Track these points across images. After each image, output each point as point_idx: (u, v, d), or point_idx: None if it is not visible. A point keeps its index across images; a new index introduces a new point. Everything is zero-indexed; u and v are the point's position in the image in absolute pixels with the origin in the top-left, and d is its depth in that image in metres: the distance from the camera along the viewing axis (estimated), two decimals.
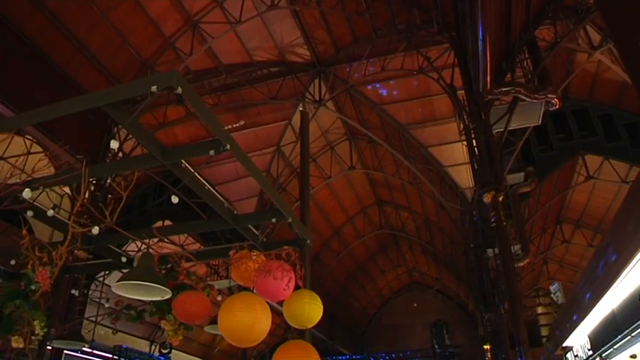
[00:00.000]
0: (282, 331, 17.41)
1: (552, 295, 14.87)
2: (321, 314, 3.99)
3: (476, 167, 12.76)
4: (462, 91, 13.90)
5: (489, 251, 15.48)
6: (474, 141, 12.84)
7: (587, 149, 17.65)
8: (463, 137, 14.28)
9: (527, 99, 11.82)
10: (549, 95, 11.88)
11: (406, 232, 30.31)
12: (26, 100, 12.81)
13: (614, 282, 5.28)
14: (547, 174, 17.74)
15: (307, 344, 4.04)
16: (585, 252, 24.36)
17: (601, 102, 17.21)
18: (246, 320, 3.43)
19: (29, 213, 4.50)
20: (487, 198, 11.08)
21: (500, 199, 11.03)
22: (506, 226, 11.21)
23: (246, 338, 3.51)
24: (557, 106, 12.30)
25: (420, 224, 28.73)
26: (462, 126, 14.14)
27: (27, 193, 3.91)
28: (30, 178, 4.23)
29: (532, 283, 28.39)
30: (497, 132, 12.39)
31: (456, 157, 19.38)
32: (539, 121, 13.27)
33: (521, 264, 15.21)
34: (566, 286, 15.34)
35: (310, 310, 3.93)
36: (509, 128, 12.52)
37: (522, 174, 15.89)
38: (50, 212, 4.50)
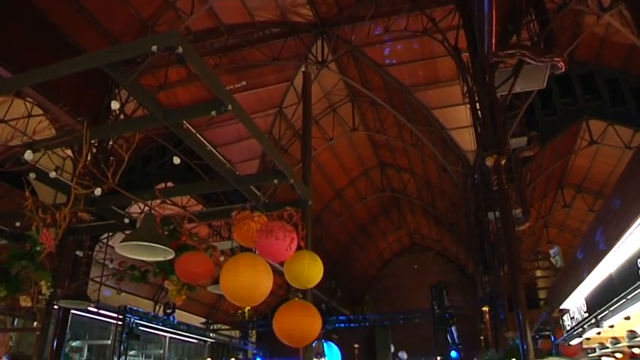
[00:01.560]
0: (284, 292, 17.66)
1: (551, 258, 14.98)
2: (321, 275, 4.02)
3: (479, 130, 12.70)
4: (467, 54, 13.74)
5: (490, 214, 15.54)
6: (477, 104, 12.75)
7: (591, 114, 17.50)
8: (466, 100, 14.17)
9: (533, 62, 11.65)
10: (555, 58, 11.70)
11: (408, 195, 30.40)
12: (25, 62, 12.68)
13: (613, 247, 5.31)
14: (550, 138, 17.65)
15: (308, 304, 4.10)
16: (585, 217, 24.43)
17: (608, 66, 16.97)
18: (249, 280, 3.46)
19: (32, 175, 4.51)
20: (489, 161, 11.07)
21: (503, 162, 11.01)
22: (507, 189, 11.21)
23: (248, 298, 3.55)
24: (563, 70, 12.14)
25: (421, 187, 28.79)
26: (465, 88, 14.02)
27: (28, 155, 3.91)
28: (31, 141, 4.22)
29: (532, 247, 28.61)
30: (501, 95, 12.28)
31: (459, 120, 19.26)
32: (544, 85, 13.12)
33: (521, 228, 15.28)
34: (566, 250, 15.42)
35: (311, 270, 3.97)
36: (513, 91, 12.40)
37: (525, 138, 15.79)
38: (52, 174, 4.51)
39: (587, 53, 16.88)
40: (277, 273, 3.91)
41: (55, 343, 6.96)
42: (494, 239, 17.67)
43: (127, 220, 5.34)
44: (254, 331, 32.70)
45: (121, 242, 3.90)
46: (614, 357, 10.68)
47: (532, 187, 20.86)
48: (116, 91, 15.79)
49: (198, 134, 4.14)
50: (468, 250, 26.45)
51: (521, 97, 13.66)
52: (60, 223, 4.36)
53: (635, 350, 9.48)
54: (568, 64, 12.35)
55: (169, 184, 17.80)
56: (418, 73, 19.13)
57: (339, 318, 29.68)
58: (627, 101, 16.48)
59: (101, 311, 18.11)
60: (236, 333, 31.39)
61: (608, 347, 9.66)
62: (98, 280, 12.18)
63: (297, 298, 4.34)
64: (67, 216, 4.32)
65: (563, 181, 24.87)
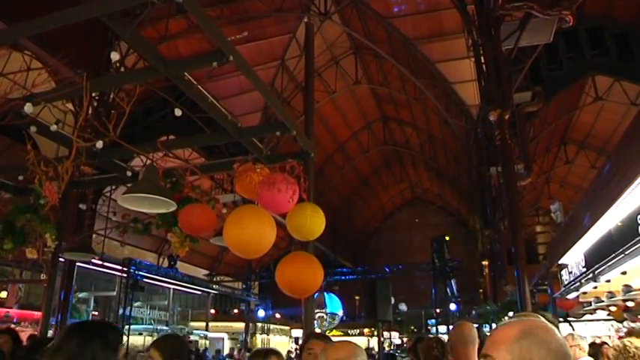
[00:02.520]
0: (286, 244, 17.84)
1: (552, 214, 15.03)
2: (323, 227, 4.04)
3: (483, 84, 12.55)
4: (472, 6, 13.44)
5: (492, 169, 15.52)
6: (482, 57, 12.56)
7: (598, 69, 17.21)
8: (471, 53, 13.96)
9: (540, 15, 11.40)
10: (563, 12, 11.44)
11: (410, 148, 30.37)
12: (22, 14, 12.42)
13: (614, 203, 5.32)
14: (555, 94, 17.43)
15: (310, 255, 4.14)
16: (587, 173, 24.40)
17: (618, 20, 16.59)
18: (253, 232, 3.48)
19: (32, 128, 4.49)
20: (493, 115, 10.98)
21: (506, 117, 10.92)
22: (510, 144, 11.16)
23: (252, 249, 3.58)
24: (571, 24, 11.88)
25: (424, 140, 28.73)
26: (470, 42, 13.79)
27: (28, 108, 3.88)
28: (30, 94, 4.18)
29: (533, 202, 28.69)
30: (507, 49, 12.07)
31: (463, 74, 19.02)
32: (551, 39, 12.87)
33: (523, 183, 15.28)
34: (566, 207, 15.44)
35: (313, 222, 3.98)
36: (519, 45, 12.19)
37: (530, 93, 15.60)
38: (53, 127, 4.48)
39: (597, 6, 16.48)
40: (279, 225, 3.94)
41: (62, 295, 7.09)
42: (495, 194, 17.72)
43: (129, 173, 5.35)
44: (256, 283, 33.24)
45: (124, 194, 3.92)
46: (609, 310, 10.90)
47: (535, 143, 20.77)
48: (116, 43, 15.57)
49: (199, 86, 4.09)
50: (469, 204, 26.57)
51: (526, 51, 13.43)
52: (62, 177, 4.37)
53: (629, 304, 9.67)
54: (576, 18, 12.09)
55: (171, 137, 17.76)
56: (422, 26, 18.77)
57: (341, 270, 30.09)
58: (636, 57, 16.17)
59: (106, 263, 18.37)
60: (239, 285, 31.94)
61: (603, 301, 9.83)
62: (102, 233, 12.30)
63: (298, 251, 4.38)
64: (69, 169, 4.32)
65: (567, 137, 24.74)
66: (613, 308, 10.67)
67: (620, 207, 5.36)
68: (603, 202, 5.83)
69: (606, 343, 9.33)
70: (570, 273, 10.16)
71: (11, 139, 12.75)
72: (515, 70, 12.78)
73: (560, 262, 10.50)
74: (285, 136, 4.84)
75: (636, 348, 3.46)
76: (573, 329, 8.13)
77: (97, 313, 24.93)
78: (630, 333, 5.68)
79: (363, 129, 29.63)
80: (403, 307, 29.36)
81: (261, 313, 29.54)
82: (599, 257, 7.14)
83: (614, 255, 6.32)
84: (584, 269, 8.45)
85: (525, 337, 1.49)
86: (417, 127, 27.82)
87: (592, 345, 8.17)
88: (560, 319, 11.70)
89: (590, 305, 10.83)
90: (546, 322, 1.57)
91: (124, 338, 18.63)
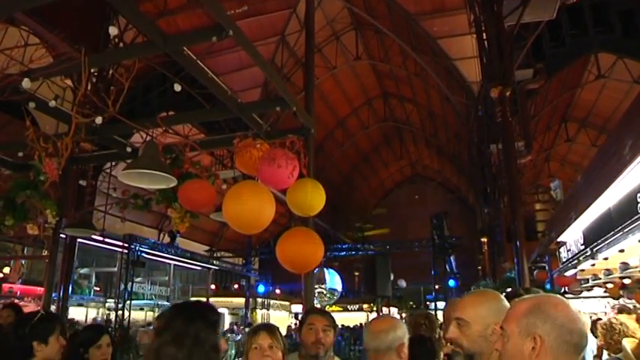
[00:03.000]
0: (286, 220, 17.90)
1: (552, 191, 15.10)
2: (323, 202, 4.04)
3: (484, 61, 12.46)
4: None
5: (493, 146, 15.50)
6: (484, 34, 12.45)
7: (601, 47, 17.00)
8: (473, 30, 13.82)
9: None
10: None
11: (410, 125, 30.30)
12: None
13: (614, 181, 5.33)
14: (557, 71, 17.27)
15: (311, 231, 4.15)
16: (588, 151, 24.36)
17: None
18: (253, 207, 3.48)
19: (31, 104, 4.47)
20: (494, 92, 10.94)
21: (508, 94, 10.88)
22: (511, 122, 11.14)
23: (251, 225, 3.59)
24: (575, 0, 11.75)
25: (424, 117, 28.65)
26: (472, 17, 13.64)
27: (26, 83, 3.85)
28: (27, 69, 4.15)
29: (532, 180, 28.66)
30: (509, 25, 11.96)
31: (464, 51, 18.87)
32: (554, 15, 12.74)
33: (523, 160, 15.28)
34: (566, 185, 15.46)
35: (313, 198, 3.97)
36: (521, 22, 12.07)
37: (531, 70, 15.49)
38: (52, 103, 4.46)
39: None
40: (279, 201, 3.94)
41: (64, 271, 7.15)
42: (495, 171, 17.72)
43: (129, 149, 5.34)
44: (256, 259, 33.46)
45: (124, 170, 3.91)
46: (606, 287, 11.00)
47: (536, 120, 20.71)
48: (114, 18, 15.41)
49: (199, 62, 4.06)
50: (469, 181, 26.61)
51: (529, 27, 13.30)
52: (62, 153, 4.36)
53: (626, 281, 9.76)
54: None
55: (171, 113, 17.70)
56: (424, 1, 18.58)
57: (341, 246, 30.24)
58: None
59: (107, 240, 18.46)
60: (239, 260, 32.16)
61: (600, 278, 9.92)
62: (102, 209, 12.33)
63: (298, 227, 4.39)
64: (69, 145, 4.31)
65: (568, 114, 24.66)
66: (610, 285, 10.76)
67: (620, 185, 5.37)
68: (603, 180, 5.84)
69: (601, 319, 9.44)
70: (569, 250, 10.23)
71: (10, 115, 12.70)
72: (517, 47, 12.68)
73: (558, 239, 10.56)
74: (286, 112, 4.82)
75: (621, 324, 3.59)
76: None
77: (98, 288, 25.17)
78: (621, 310, 5.74)
79: (364, 105, 29.52)
80: (402, 283, 29.60)
81: (261, 288, 29.78)
82: (598, 235, 7.18)
83: (612, 233, 6.36)
84: (583, 247, 8.51)
85: (533, 312, 1.57)
86: (417, 103, 27.71)
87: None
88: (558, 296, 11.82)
89: (588, 282, 10.93)
90: (562, 299, 1.62)
91: (126, 313, 18.84)
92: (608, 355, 3.82)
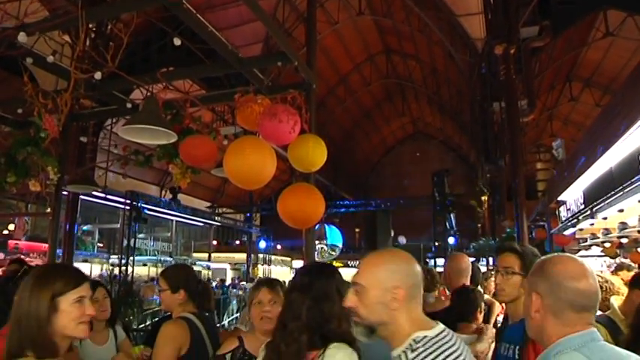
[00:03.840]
0: (287, 177, 17.94)
1: (554, 150, 15.01)
2: (325, 158, 4.03)
3: (489, 17, 12.24)
4: None
5: (495, 105, 15.37)
6: None
7: (611, 3, 16.53)
8: None
9: None
10: None
11: (413, 82, 30.00)
12: None
13: (617, 141, 5.31)
14: (563, 29, 16.86)
15: (312, 187, 4.16)
16: (591, 111, 24.11)
17: None
18: (255, 162, 3.48)
19: (28, 60, 4.42)
20: (498, 50, 10.80)
21: (512, 52, 10.74)
22: (514, 80, 11.02)
23: (253, 180, 3.59)
24: None
25: (427, 74, 28.34)
26: None
27: (22, 37, 3.80)
28: (22, 23, 4.08)
29: (534, 139, 28.61)
30: None
31: (469, 6, 18.48)
32: None
33: (525, 119, 15.18)
34: (569, 144, 15.36)
35: (314, 153, 3.97)
36: None
37: (537, 27, 15.18)
38: (50, 58, 4.41)
39: None
40: (281, 158, 3.93)
41: (67, 227, 7.20)
42: (497, 129, 17.64)
43: (129, 105, 5.31)
44: (258, 215, 33.72)
45: (124, 125, 3.90)
46: (603, 247, 11.12)
47: (539, 79, 20.45)
48: None
49: (198, 15, 3.99)
50: (471, 139, 26.51)
51: None
52: (62, 109, 4.34)
53: (624, 240, 9.86)
54: None
55: (171, 68, 17.50)
56: None
57: (342, 203, 30.40)
58: None
59: (109, 196, 18.52)
60: (240, 217, 32.41)
61: (599, 237, 10.02)
62: (104, 166, 12.33)
63: (300, 183, 4.39)
64: (68, 101, 4.29)
65: (572, 73, 24.32)
66: (607, 245, 10.87)
67: (623, 145, 5.35)
68: (606, 140, 5.82)
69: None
70: (568, 210, 10.30)
71: (8, 72, 12.55)
72: (522, 3, 12.42)
73: (559, 198, 10.61)
74: (287, 67, 4.76)
75: (606, 282, 3.64)
76: None
77: (102, 245, 25.46)
78: (620, 267, 5.82)
79: (366, 61, 29.17)
80: (402, 239, 29.90)
81: (262, 244, 30.10)
82: (599, 194, 7.21)
83: (613, 192, 6.38)
84: (583, 206, 8.56)
85: (537, 270, 1.64)
86: (420, 60, 27.37)
87: None
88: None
89: (586, 242, 11.04)
90: (570, 257, 1.64)
91: (130, 269, 19.11)
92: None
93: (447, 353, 1.53)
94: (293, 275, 2.42)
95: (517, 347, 2.24)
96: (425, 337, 1.56)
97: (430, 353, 1.52)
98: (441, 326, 1.64)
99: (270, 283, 2.78)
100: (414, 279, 1.67)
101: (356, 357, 2.06)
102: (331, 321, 2.11)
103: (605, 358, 1.48)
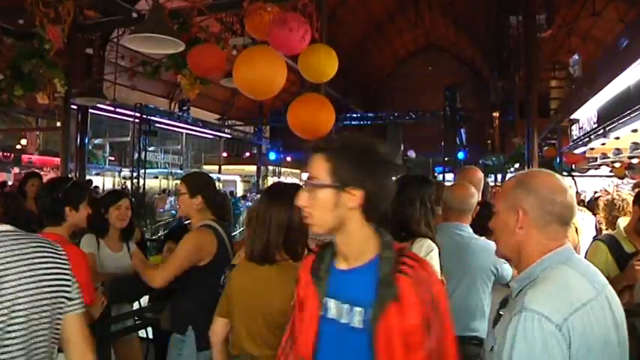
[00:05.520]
0: (297, 89, 17.73)
1: (570, 67, 14.67)
2: (336, 69, 3.95)
3: None
4: None
5: (512, 18, 14.85)
6: None
7: None
8: None
9: None
10: None
11: None
12: None
13: (639, 58, 5.15)
14: None
15: (323, 97, 4.11)
16: (614, 27, 23.03)
17: None
18: (265, 71, 3.42)
19: None
20: None
21: None
22: None
23: (263, 90, 3.55)
24: None
25: None
26: None
27: None
28: None
29: (550, 56, 27.78)
30: None
31: None
32: None
33: (543, 34, 14.69)
34: (586, 62, 14.90)
35: (326, 63, 3.88)
36: None
37: None
38: None
39: None
40: (291, 69, 3.85)
41: (78, 141, 7.23)
42: (513, 44, 17.14)
43: (134, 15, 5.17)
44: (268, 127, 33.62)
45: (130, 34, 3.81)
46: (613, 167, 11.08)
47: None
48: None
49: None
50: (485, 53, 25.85)
51: None
52: (65, 19, 4.24)
53: (634, 161, 9.79)
54: None
55: None
56: None
57: (352, 115, 30.18)
58: None
59: (118, 109, 18.45)
60: (250, 129, 32.37)
61: (609, 157, 9.95)
62: (111, 78, 12.19)
63: (310, 93, 4.31)
64: (71, 10, 4.18)
65: None
66: (617, 165, 10.82)
67: None
68: (627, 57, 5.65)
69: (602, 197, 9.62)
70: (581, 128, 10.18)
71: None
72: None
73: (572, 116, 10.47)
74: None
75: (622, 200, 3.66)
76: (576, 184, 8.27)
77: (113, 158, 25.75)
78: (638, 185, 5.79)
79: None
80: (412, 153, 29.91)
81: (272, 156, 30.18)
82: (613, 113, 7.10)
83: (629, 112, 6.27)
84: (596, 125, 8.45)
85: (519, 186, 1.60)
86: None
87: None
88: (565, 174, 11.98)
89: (596, 161, 10.99)
90: (549, 172, 1.62)
91: (141, 181, 19.40)
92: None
93: None
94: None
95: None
96: None
97: None
98: None
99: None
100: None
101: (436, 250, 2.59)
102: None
103: (585, 272, 1.50)
